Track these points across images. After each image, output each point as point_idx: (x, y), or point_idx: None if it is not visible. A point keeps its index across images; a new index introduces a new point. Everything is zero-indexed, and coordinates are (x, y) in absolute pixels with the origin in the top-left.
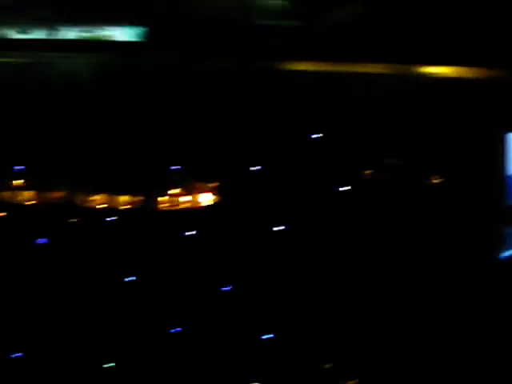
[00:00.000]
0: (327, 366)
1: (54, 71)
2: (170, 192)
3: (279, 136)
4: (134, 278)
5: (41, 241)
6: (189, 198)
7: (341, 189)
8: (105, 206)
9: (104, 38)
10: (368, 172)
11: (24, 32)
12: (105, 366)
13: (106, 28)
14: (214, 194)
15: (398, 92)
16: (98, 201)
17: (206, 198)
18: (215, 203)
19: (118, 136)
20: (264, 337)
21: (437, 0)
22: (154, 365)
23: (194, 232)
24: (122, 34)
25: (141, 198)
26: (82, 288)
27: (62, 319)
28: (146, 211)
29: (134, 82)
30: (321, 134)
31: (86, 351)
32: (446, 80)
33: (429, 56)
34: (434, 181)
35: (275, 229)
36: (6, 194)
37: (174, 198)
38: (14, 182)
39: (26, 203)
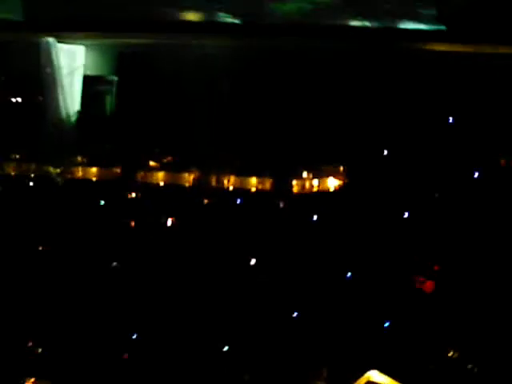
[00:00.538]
0: None
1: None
2: (301, 175)
3: (414, 119)
4: (255, 260)
5: (169, 221)
6: (319, 181)
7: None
8: (237, 187)
9: None
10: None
11: None
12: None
13: None
14: (344, 179)
15: None
16: (230, 182)
17: (336, 182)
18: (345, 187)
19: (252, 119)
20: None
21: None
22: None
23: (322, 216)
24: None
25: (272, 180)
26: (210, 269)
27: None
28: (278, 193)
29: None
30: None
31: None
32: None
33: None
34: None
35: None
36: (141, 175)
37: (305, 181)
38: (150, 163)
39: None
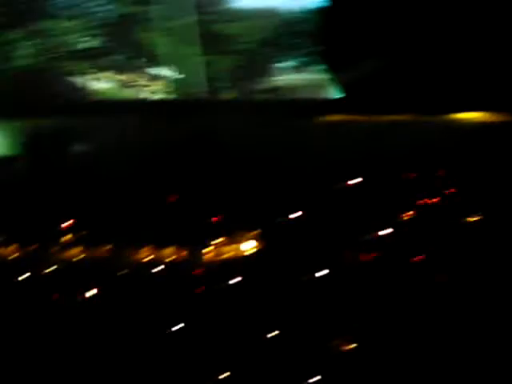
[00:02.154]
0: None
1: None
2: (213, 242)
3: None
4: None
5: (88, 294)
6: (233, 247)
7: None
8: (151, 258)
9: None
10: None
11: None
12: None
13: None
14: (256, 242)
15: None
16: (145, 253)
17: (249, 246)
18: (259, 251)
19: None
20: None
21: None
22: None
23: (239, 280)
24: None
25: (186, 249)
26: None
27: None
28: (192, 262)
29: None
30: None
31: None
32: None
33: None
34: None
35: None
36: (55, 250)
37: (219, 248)
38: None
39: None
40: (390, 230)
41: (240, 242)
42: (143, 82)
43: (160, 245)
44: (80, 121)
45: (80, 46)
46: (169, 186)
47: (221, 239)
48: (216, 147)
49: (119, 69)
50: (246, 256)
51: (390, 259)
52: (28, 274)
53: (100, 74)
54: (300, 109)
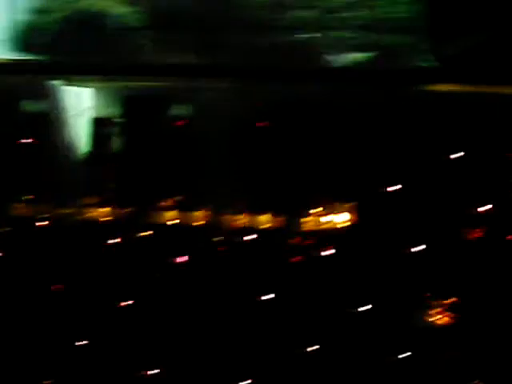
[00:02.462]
0: None
1: None
2: (311, 211)
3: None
4: (272, 295)
5: (182, 259)
6: (329, 217)
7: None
8: (247, 225)
9: None
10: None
11: None
12: None
13: None
14: (352, 214)
15: None
16: (241, 220)
17: (345, 218)
18: (354, 223)
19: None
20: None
21: None
22: None
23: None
24: None
25: (283, 217)
26: (217, 305)
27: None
28: (288, 231)
29: None
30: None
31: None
32: None
33: None
34: None
35: (414, 249)
36: (152, 214)
37: (315, 218)
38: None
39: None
40: (490, 206)
41: (337, 212)
42: None
43: (257, 212)
44: None
45: None
46: (269, 153)
47: (319, 209)
48: (319, 114)
49: None
50: (343, 227)
51: (491, 235)
52: (123, 237)
53: None
54: (403, 77)
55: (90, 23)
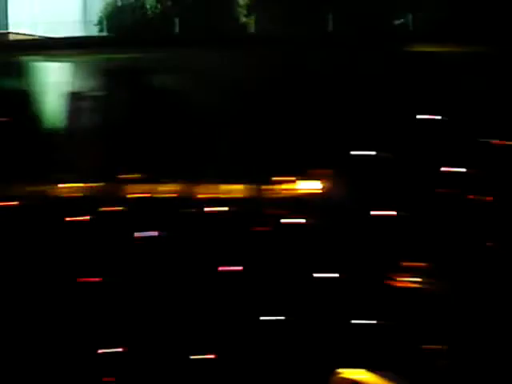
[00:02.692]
0: None
1: None
2: (279, 179)
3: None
4: (241, 268)
5: (150, 233)
6: (300, 184)
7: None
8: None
9: None
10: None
11: None
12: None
13: None
14: (324, 182)
15: None
16: (209, 191)
17: (321, 185)
18: (325, 191)
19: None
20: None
21: None
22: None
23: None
24: None
25: (252, 185)
26: (189, 279)
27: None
28: (256, 199)
29: None
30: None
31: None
32: None
33: None
34: None
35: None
36: (120, 188)
37: (286, 185)
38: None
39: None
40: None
41: (312, 180)
42: None
43: (227, 181)
44: None
45: None
46: (248, 121)
47: (290, 177)
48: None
49: None
50: (317, 194)
51: (464, 197)
52: (93, 213)
53: None
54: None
55: None
